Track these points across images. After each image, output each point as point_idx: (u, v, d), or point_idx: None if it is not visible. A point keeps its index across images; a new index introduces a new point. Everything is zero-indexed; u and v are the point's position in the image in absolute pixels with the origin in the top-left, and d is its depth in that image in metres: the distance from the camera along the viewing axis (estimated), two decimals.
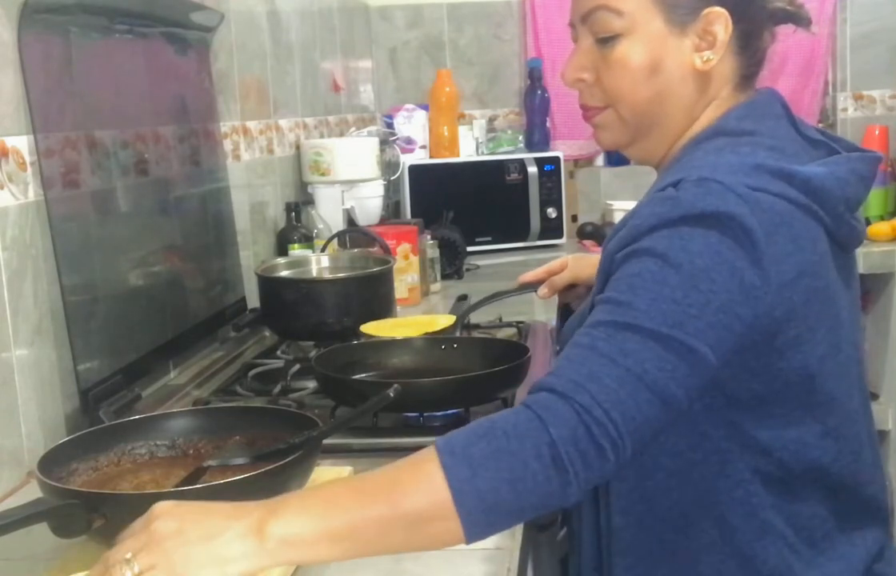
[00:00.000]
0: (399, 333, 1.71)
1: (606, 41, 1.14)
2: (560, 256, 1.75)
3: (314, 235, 2.35)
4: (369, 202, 2.63)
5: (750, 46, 1.16)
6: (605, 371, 0.95)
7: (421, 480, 0.90)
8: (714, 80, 1.15)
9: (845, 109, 3.58)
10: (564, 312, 1.93)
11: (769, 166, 1.06)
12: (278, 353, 1.90)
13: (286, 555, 0.87)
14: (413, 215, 2.98)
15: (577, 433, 0.92)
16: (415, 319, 2.00)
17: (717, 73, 1.15)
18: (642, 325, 0.98)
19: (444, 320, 1.89)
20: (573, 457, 0.91)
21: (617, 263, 1.05)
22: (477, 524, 0.90)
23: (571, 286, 1.71)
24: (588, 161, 3.72)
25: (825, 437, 1.10)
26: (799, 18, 1.20)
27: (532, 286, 1.74)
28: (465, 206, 2.97)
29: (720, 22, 1.12)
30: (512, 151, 3.50)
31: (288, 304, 1.90)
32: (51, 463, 1.08)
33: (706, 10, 1.12)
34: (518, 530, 1.12)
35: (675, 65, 1.13)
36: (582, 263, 1.66)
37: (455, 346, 1.64)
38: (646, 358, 0.96)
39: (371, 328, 1.70)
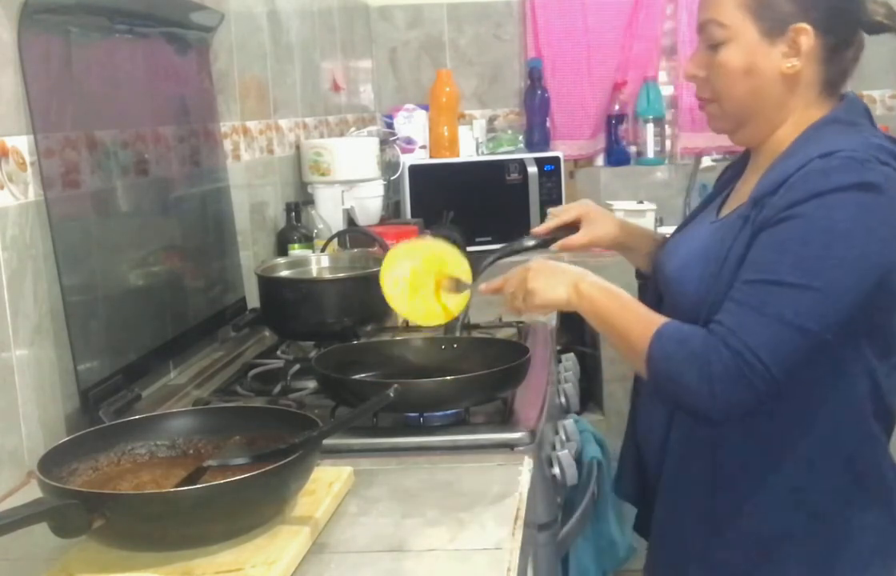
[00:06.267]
0: (414, 256, 1.60)
1: (714, 47, 1.39)
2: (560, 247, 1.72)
3: (314, 235, 2.35)
4: (369, 202, 2.63)
5: (835, 58, 1.37)
6: (754, 321, 1.26)
7: (644, 333, 1.34)
8: (801, 83, 1.37)
9: None
10: None
11: (886, 147, 1.32)
12: (278, 353, 1.90)
13: (581, 304, 1.42)
14: (413, 215, 2.99)
15: (731, 373, 1.25)
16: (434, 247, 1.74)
17: (804, 77, 1.36)
18: (784, 280, 1.26)
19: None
20: (727, 390, 1.26)
21: (770, 224, 1.30)
22: (652, 379, 1.34)
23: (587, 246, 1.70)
24: (588, 161, 3.72)
25: None
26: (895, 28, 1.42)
27: (546, 241, 1.72)
28: (465, 206, 2.96)
29: (805, 35, 1.34)
30: (512, 151, 3.51)
31: (288, 304, 1.89)
32: (51, 463, 1.08)
33: (794, 25, 1.34)
34: (518, 529, 1.13)
35: (766, 68, 1.36)
36: (599, 222, 1.68)
37: (455, 346, 1.64)
38: (785, 305, 1.25)
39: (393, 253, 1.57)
